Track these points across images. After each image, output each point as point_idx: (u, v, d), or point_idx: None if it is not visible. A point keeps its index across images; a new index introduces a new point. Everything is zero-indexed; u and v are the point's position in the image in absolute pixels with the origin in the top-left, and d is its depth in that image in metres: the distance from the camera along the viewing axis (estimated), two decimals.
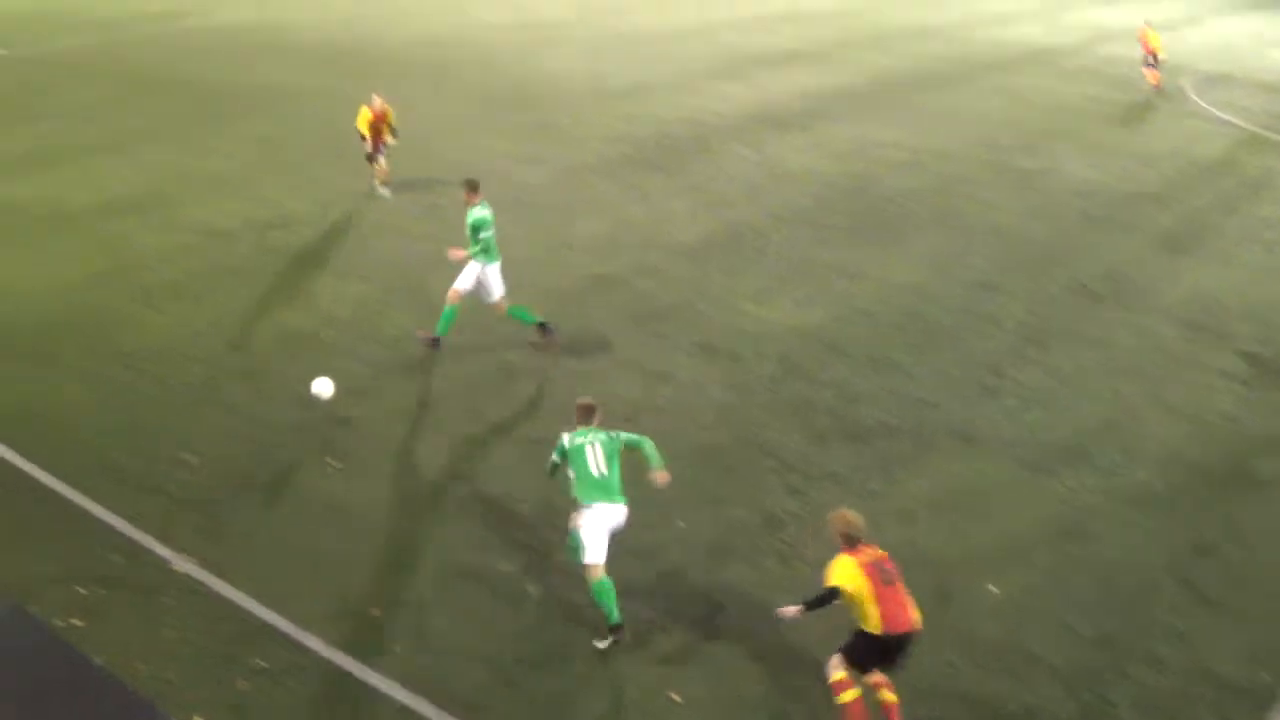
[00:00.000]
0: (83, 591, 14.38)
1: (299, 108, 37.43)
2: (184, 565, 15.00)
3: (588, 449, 14.65)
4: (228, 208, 28.32)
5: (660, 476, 14.82)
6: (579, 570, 14.15)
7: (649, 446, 14.94)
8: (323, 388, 18.57)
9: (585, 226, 27.55)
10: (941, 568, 15.30)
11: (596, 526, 14.19)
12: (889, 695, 12.72)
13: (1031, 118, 38.54)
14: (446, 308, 20.93)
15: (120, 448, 17.74)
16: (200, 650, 13.60)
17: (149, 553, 15.26)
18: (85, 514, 16.08)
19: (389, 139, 29.43)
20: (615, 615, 13.96)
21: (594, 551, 14.09)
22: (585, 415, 15.19)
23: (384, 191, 29.17)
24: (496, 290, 20.86)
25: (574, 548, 14.32)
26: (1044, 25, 57.43)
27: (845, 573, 12.36)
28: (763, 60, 46.14)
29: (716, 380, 20.31)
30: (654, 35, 50.22)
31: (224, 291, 23.48)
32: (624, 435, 15.02)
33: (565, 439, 14.90)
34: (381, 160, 29.35)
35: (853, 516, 12.71)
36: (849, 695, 12.57)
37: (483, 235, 20.88)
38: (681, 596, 14.87)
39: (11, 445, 17.72)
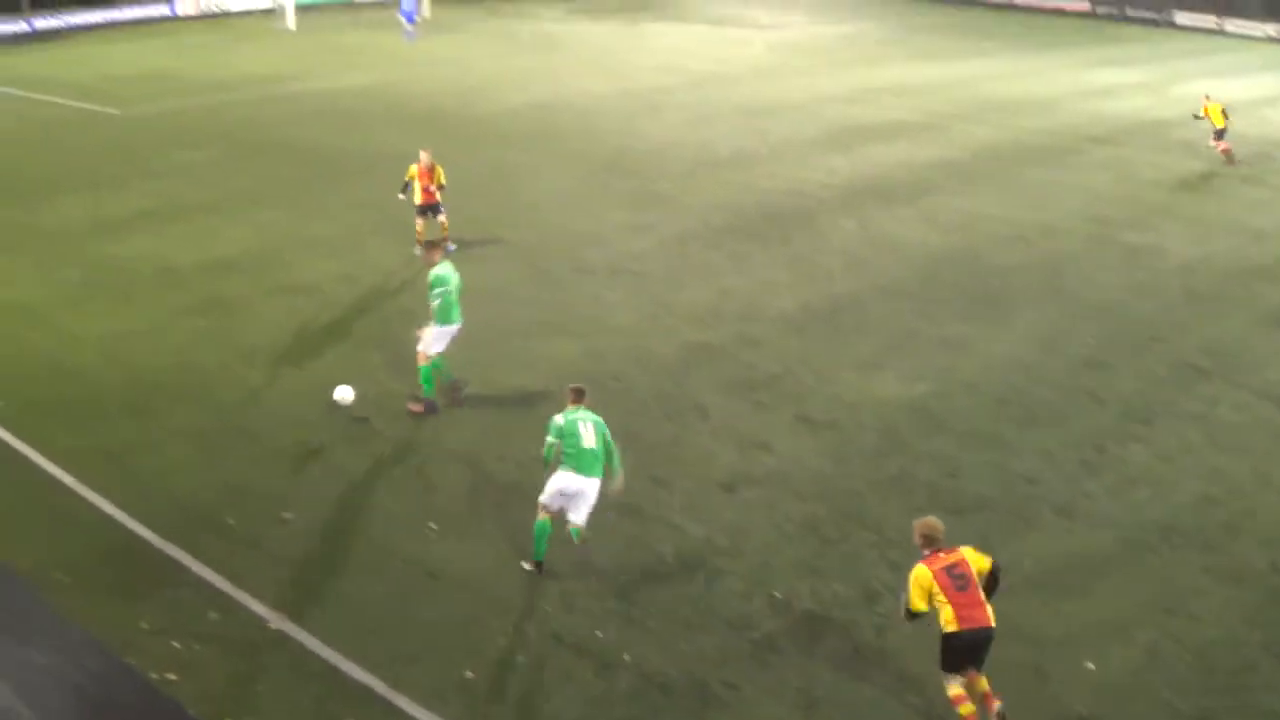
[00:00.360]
0: (178, 646, 14.67)
1: (404, 171, 37.91)
2: (279, 623, 15.24)
3: (580, 425, 16.53)
4: (332, 269, 28.85)
5: (618, 486, 16.93)
6: (673, 641, 14.26)
7: (615, 452, 16.90)
8: (344, 394, 20.43)
9: (688, 295, 27.72)
10: (1040, 644, 15.23)
11: (563, 484, 16.35)
12: (983, 684, 13.62)
13: (1138, 192, 38.28)
14: (420, 367, 21.51)
15: (219, 504, 18.14)
16: (293, 708, 13.84)
17: (245, 610, 15.55)
18: (183, 569, 16.47)
19: (437, 196, 30.03)
20: (539, 554, 16.59)
21: (548, 496, 16.45)
22: (577, 397, 17.08)
23: (417, 250, 29.20)
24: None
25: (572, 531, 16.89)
26: (1152, 98, 57.00)
27: (919, 585, 13.61)
28: (868, 132, 46.19)
29: (816, 451, 20.36)
30: (759, 106, 50.41)
31: (327, 353, 23.92)
32: (605, 427, 16.76)
33: (559, 418, 16.62)
34: (442, 217, 30.06)
35: (934, 521, 14.10)
36: (966, 709, 13.45)
37: (436, 291, 21.27)
38: (776, 668, 14.89)
39: (110, 498, 18.20)
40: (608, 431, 16.76)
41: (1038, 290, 28.72)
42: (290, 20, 75.36)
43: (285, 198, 34.96)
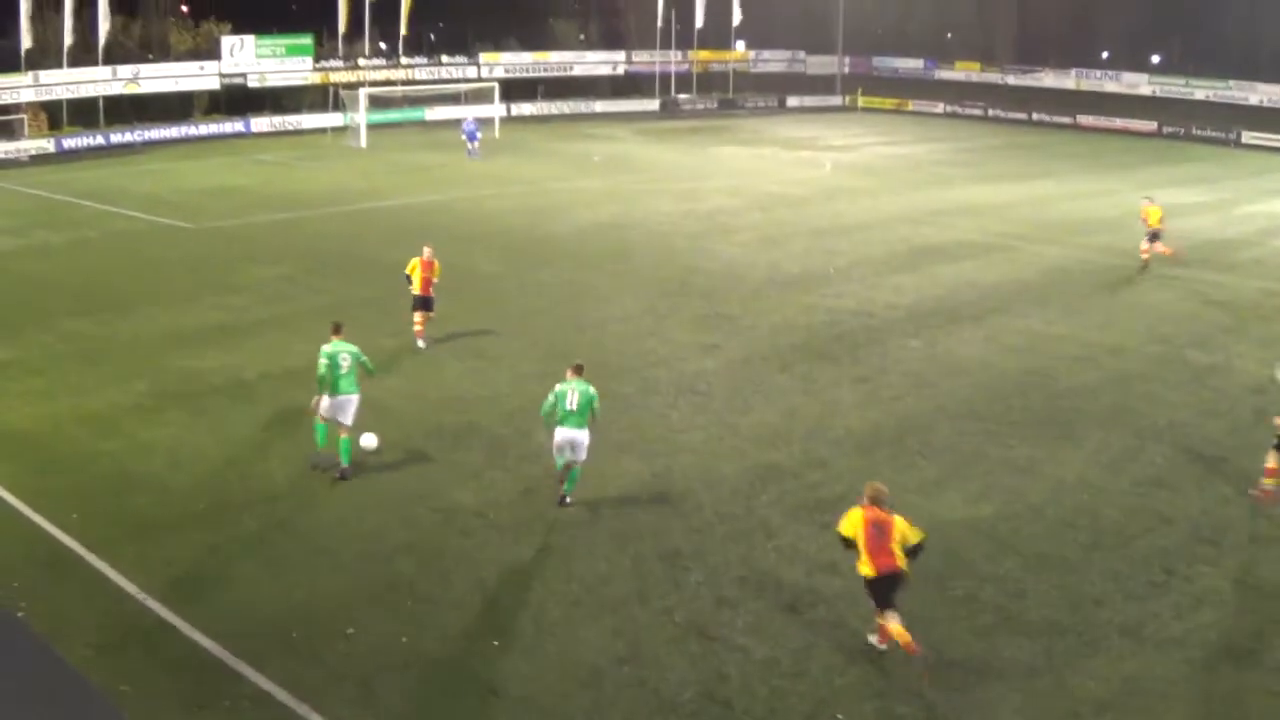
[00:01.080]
0: None
1: (476, 289, 38.43)
2: None
3: (568, 392, 22.29)
4: (401, 388, 29.19)
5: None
6: None
7: (596, 411, 22.75)
8: (369, 442, 23.39)
9: (754, 415, 27.83)
10: None
11: (560, 437, 22.34)
12: (898, 631, 17.04)
13: (1205, 312, 38.16)
14: (340, 439, 23.55)
15: (284, 617, 18.37)
16: None
17: None
18: (246, 681, 16.63)
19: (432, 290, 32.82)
20: (568, 489, 22.76)
21: (557, 451, 22.55)
22: (576, 371, 22.92)
23: (420, 344, 32.57)
24: (346, 419, 23.66)
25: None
26: (1217, 216, 56.96)
27: (850, 520, 17.69)
28: (935, 252, 46.38)
29: None
30: (827, 227, 50.78)
31: (393, 468, 24.17)
32: (593, 392, 22.54)
33: (558, 387, 22.58)
34: (432, 313, 32.82)
35: (882, 486, 18.04)
36: (895, 629, 17.09)
37: (321, 363, 23.30)
38: None
39: (174, 609, 18.49)
40: (595, 398, 22.54)
41: (1105, 411, 28.63)
42: (362, 138, 76.70)
43: (356, 314, 35.32)
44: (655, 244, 47.02)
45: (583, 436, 22.28)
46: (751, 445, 25.97)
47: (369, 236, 47.38)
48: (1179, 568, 20.77)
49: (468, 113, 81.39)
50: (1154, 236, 43.71)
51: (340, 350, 23.61)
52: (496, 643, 17.83)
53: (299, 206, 54.55)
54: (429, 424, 26.76)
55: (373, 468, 24.12)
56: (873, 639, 17.77)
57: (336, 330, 24.28)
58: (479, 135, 73.73)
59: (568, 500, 22.56)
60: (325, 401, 23.41)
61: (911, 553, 17.37)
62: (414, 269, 32.44)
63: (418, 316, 32.45)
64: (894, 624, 17.01)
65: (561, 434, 22.25)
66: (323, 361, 23.40)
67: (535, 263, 42.60)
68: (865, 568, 17.23)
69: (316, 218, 52.01)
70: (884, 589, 17.18)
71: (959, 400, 29.26)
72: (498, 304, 36.94)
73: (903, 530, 17.35)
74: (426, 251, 32.77)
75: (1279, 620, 19.19)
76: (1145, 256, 43.87)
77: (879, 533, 17.20)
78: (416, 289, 32.42)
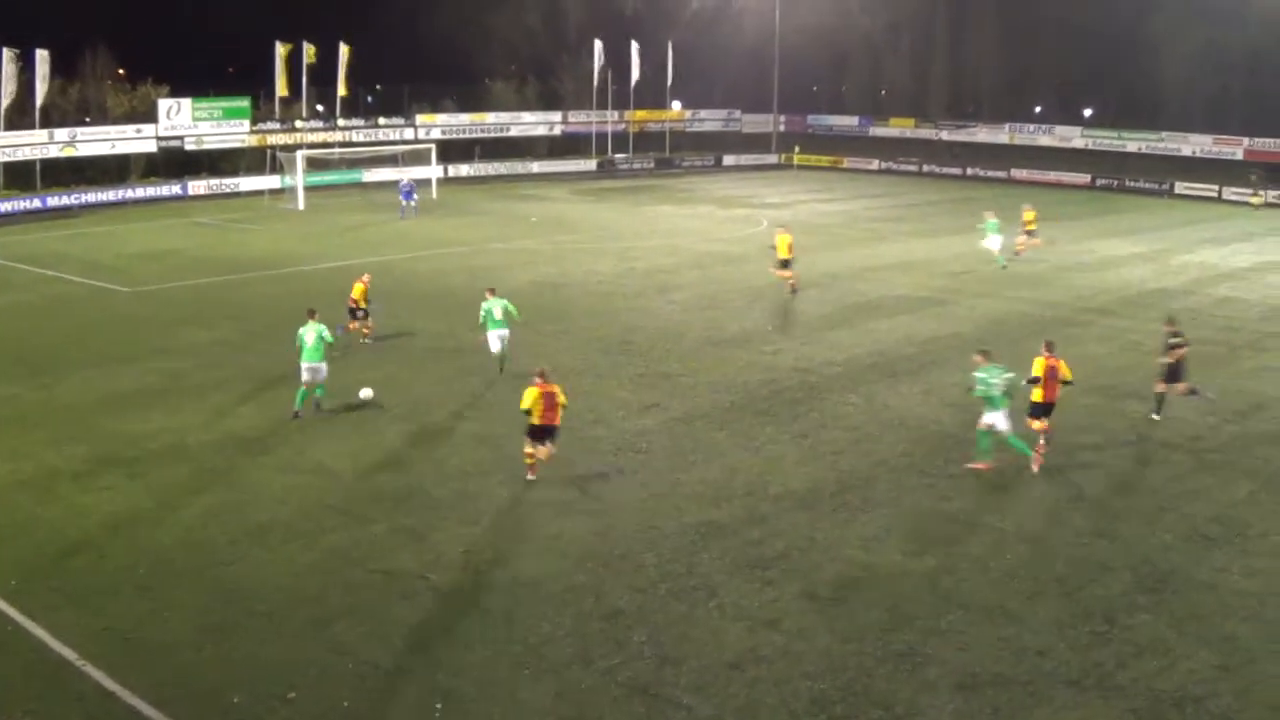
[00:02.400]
0: None
1: (415, 347, 38.38)
2: None
3: (494, 307, 35.44)
4: (341, 449, 29.07)
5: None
6: None
7: (514, 313, 35.89)
8: (366, 393, 30.50)
9: (695, 473, 27.78)
10: None
11: (492, 336, 35.32)
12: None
13: (1141, 361, 38.33)
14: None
15: (225, 683, 18.25)
16: None
17: None
18: None
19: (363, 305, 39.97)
20: (504, 363, 35.45)
21: (490, 343, 35.42)
22: (492, 292, 36.14)
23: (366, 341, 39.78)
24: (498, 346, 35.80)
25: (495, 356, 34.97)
26: (1153, 267, 57.55)
27: (528, 396, 26.09)
28: (872, 308, 46.64)
29: (824, 628, 20.27)
30: (762, 285, 50.84)
31: (334, 531, 24.10)
32: (507, 302, 35.62)
33: (484, 305, 35.87)
34: (368, 322, 39.97)
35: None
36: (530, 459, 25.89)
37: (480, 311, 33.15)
38: None
39: (115, 676, 18.33)
40: (510, 305, 35.64)
41: (1044, 462, 28.71)
42: (300, 201, 76.62)
43: (293, 377, 35.21)
44: (594, 303, 47.07)
45: (507, 333, 35.70)
46: (692, 503, 25.92)
47: (307, 300, 47.07)
48: (1121, 616, 20.83)
49: (405, 174, 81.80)
50: (784, 264, 48.46)
51: (494, 303, 35.79)
52: (439, 706, 17.69)
53: (236, 270, 54.38)
54: (369, 486, 26.62)
55: (313, 531, 24.00)
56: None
57: (492, 292, 36.60)
58: (415, 196, 73.97)
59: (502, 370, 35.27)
60: (489, 339, 35.93)
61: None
62: (360, 292, 39.91)
63: (363, 325, 39.95)
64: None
65: (493, 334, 35.61)
66: (483, 312, 35.93)
67: (474, 323, 42.38)
68: (534, 419, 26.27)
69: (254, 280, 51.85)
70: (544, 436, 26.55)
71: (899, 454, 29.32)
72: (437, 365, 36.89)
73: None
74: (366, 276, 40.81)
75: (1224, 667, 19.22)
76: (787, 279, 48.97)
77: (550, 403, 26.27)
78: (358, 308, 39.92)
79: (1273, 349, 40.82)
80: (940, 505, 26.00)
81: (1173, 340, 32.35)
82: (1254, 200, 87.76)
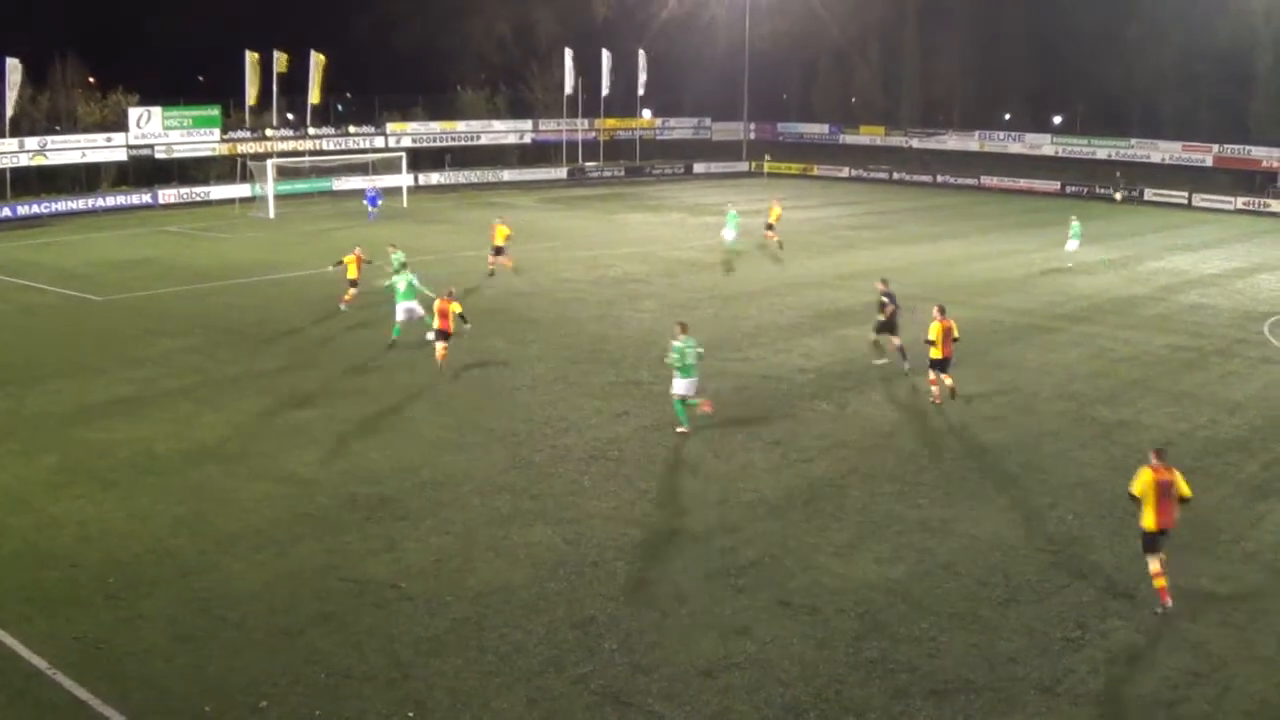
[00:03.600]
0: None
1: (387, 361, 38.28)
2: None
3: (400, 281, 39.40)
4: (312, 458, 29.02)
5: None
6: None
7: (418, 287, 39.79)
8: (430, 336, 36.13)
9: (666, 481, 27.78)
10: None
11: (402, 308, 39.56)
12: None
13: (1112, 368, 38.56)
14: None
15: (196, 693, 18.18)
16: None
17: None
18: None
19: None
20: (395, 333, 39.95)
21: (400, 315, 39.66)
22: (402, 267, 40.69)
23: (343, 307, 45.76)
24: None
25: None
26: (1122, 274, 57.79)
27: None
28: (843, 315, 46.70)
29: (796, 635, 20.26)
30: (733, 293, 50.95)
31: (305, 540, 24.03)
32: (411, 275, 39.26)
33: (392, 278, 40.00)
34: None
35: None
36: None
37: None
38: None
39: (86, 685, 18.26)
40: (415, 280, 39.39)
41: (1016, 469, 28.80)
42: (270, 209, 76.50)
43: (266, 385, 35.23)
44: (564, 312, 47.03)
45: (418, 308, 39.66)
46: (663, 511, 25.92)
47: (277, 307, 47.12)
48: (1093, 623, 20.87)
49: (376, 182, 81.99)
50: (498, 251, 55.44)
51: (400, 277, 40.35)
52: (411, 714, 17.63)
53: (207, 278, 54.24)
54: (341, 495, 26.52)
55: (284, 540, 23.92)
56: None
57: (403, 267, 42.13)
58: (380, 201, 74.41)
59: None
60: (398, 310, 39.95)
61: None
62: (354, 264, 46.19)
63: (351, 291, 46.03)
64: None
65: (402, 307, 39.62)
66: (389, 283, 40.62)
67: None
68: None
69: (224, 289, 51.71)
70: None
71: (870, 461, 29.33)
72: (407, 374, 36.77)
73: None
74: (358, 249, 47.49)
75: (1195, 673, 19.26)
76: (504, 265, 54.51)
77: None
78: (354, 276, 46.29)
79: (1242, 355, 40.97)
80: (912, 512, 26.00)
81: (884, 299, 38.46)
82: (1117, 195, 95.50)
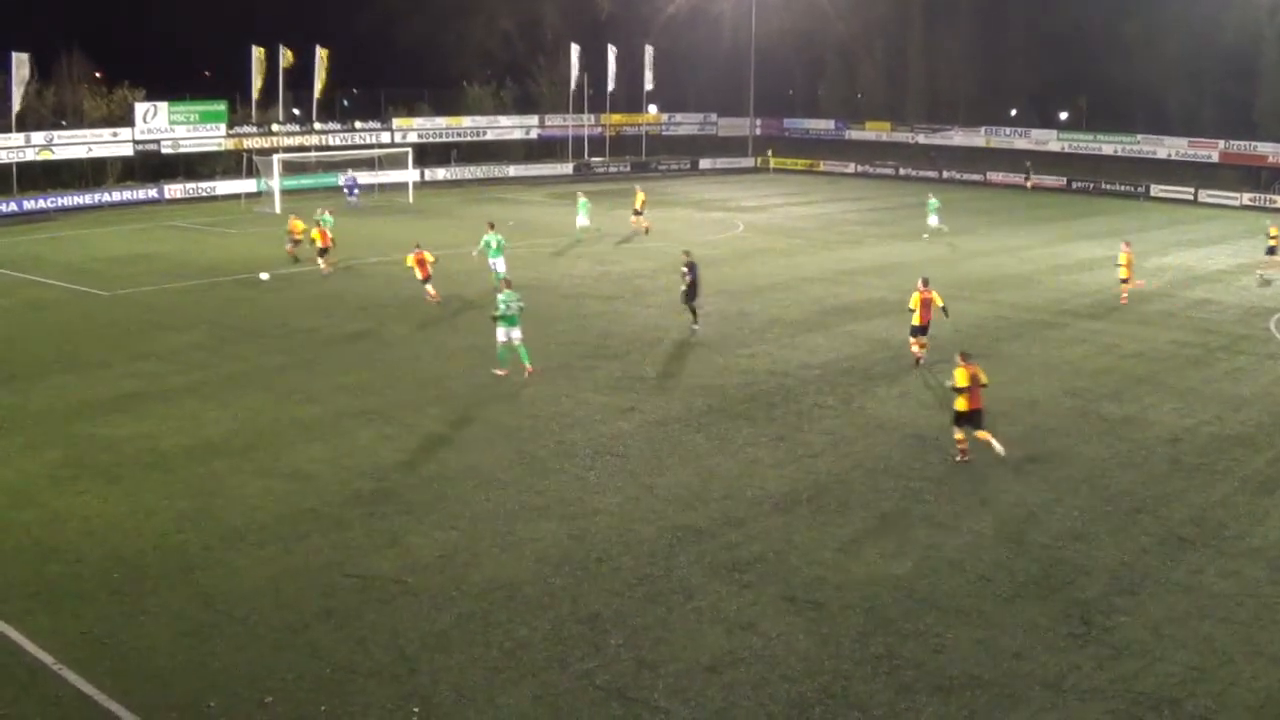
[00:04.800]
0: None
1: (389, 356, 38.27)
2: None
3: (503, 303, 35.64)
4: (317, 453, 29.01)
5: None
6: None
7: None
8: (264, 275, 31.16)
9: (671, 476, 27.76)
10: None
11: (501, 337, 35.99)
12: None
13: (1118, 364, 38.54)
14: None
15: (201, 688, 18.17)
16: None
17: None
18: None
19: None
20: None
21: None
22: (507, 283, 36.57)
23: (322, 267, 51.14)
24: None
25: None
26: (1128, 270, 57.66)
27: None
28: (849, 311, 46.67)
29: (802, 631, 20.26)
30: (739, 289, 50.93)
31: (310, 536, 24.01)
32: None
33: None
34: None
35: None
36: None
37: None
38: None
39: (91, 680, 18.27)
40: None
41: (1021, 465, 28.77)
42: (276, 204, 76.50)
43: (270, 381, 35.25)
44: (570, 307, 47.02)
45: (517, 333, 35.81)
46: (669, 506, 25.90)
47: (283, 303, 47.12)
48: (1098, 619, 20.86)
49: (350, 172, 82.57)
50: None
51: (511, 299, 36.63)
52: (416, 710, 17.63)
53: (212, 273, 54.21)
54: (346, 491, 26.53)
55: (289, 535, 23.93)
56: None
57: (508, 284, 38.38)
58: (358, 189, 74.94)
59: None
60: (500, 331, 36.97)
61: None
62: (319, 235, 52.97)
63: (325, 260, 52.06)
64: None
65: (503, 331, 35.64)
66: (499, 306, 36.30)
67: (449, 327, 42.49)
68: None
69: (230, 284, 51.69)
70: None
71: (875, 457, 29.32)
72: (411, 369, 36.80)
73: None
74: (327, 215, 54.41)
75: (1200, 669, 19.25)
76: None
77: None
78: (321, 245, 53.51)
79: (1248, 351, 40.92)
80: (917, 508, 26.00)
81: (684, 269, 42.91)
82: (1028, 184, 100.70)
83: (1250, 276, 56.12)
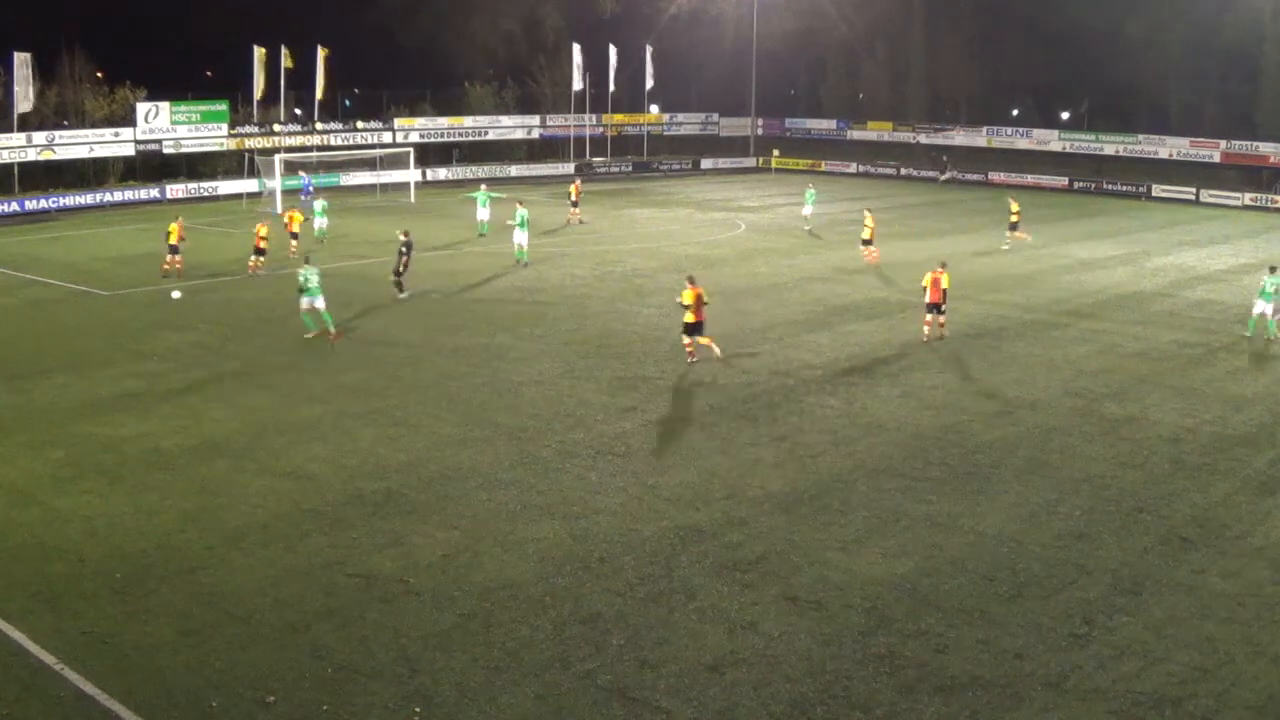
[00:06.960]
0: None
1: (395, 356, 38.26)
2: None
3: (308, 274, 39.68)
4: (319, 453, 29.00)
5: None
6: None
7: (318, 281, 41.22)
8: (177, 295, 31.13)
9: (673, 476, 27.76)
10: None
11: (305, 304, 40.15)
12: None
13: (1120, 364, 38.53)
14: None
15: (203, 687, 18.16)
16: None
17: None
18: None
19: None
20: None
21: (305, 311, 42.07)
22: (306, 260, 40.80)
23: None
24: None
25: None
26: (1130, 270, 57.72)
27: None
28: (850, 311, 46.66)
29: (804, 631, 20.26)
30: (742, 287, 50.93)
31: (312, 536, 24.00)
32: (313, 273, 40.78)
33: (300, 272, 40.48)
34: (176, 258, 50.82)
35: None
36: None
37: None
38: None
39: (93, 679, 18.27)
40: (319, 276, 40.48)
41: (1022, 465, 28.80)
42: (278, 204, 76.58)
43: (273, 381, 35.24)
44: (571, 307, 47.01)
45: (320, 302, 40.20)
46: (670, 506, 25.90)
47: (282, 302, 47.08)
48: (1100, 619, 20.87)
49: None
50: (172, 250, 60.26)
51: (310, 273, 40.53)
52: (418, 709, 17.64)
53: (213, 273, 54.21)
54: (348, 490, 26.53)
55: (291, 535, 23.94)
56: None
57: (307, 259, 42.42)
58: (312, 188, 75.26)
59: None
60: (304, 299, 40.67)
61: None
62: (175, 233, 51.89)
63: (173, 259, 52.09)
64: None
65: (306, 300, 40.15)
66: (300, 279, 40.46)
67: (451, 327, 42.49)
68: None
69: (230, 284, 51.70)
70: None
71: (877, 457, 29.32)
72: (414, 369, 36.79)
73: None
74: (180, 220, 53.08)
75: (1202, 669, 19.25)
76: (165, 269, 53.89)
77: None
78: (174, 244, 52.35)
79: (1249, 351, 40.93)
80: (919, 508, 26.00)
81: (402, 249, 47.74)
82: (942, 177, 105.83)
83: (1251, 277, 56.07)
